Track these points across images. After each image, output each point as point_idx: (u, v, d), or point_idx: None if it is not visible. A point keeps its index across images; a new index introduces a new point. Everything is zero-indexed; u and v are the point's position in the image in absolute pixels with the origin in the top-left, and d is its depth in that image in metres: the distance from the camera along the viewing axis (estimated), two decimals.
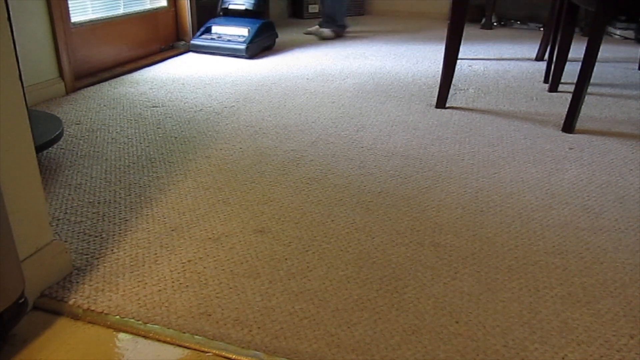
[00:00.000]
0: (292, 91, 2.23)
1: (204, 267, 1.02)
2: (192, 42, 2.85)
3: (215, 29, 2.88)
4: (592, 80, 2.41)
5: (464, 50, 3.07)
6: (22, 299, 0.84)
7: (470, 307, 0.93)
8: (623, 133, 1.82)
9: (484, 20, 3.96)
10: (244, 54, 2.74)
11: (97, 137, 1.67)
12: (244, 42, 2.75)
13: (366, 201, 1.30)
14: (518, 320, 0.90)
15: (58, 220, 1.18)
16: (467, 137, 1.75)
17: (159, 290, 0.95)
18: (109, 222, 1.18)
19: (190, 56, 2.83)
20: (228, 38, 2.80)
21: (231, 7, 2.94)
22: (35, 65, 1.96)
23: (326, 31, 3.39)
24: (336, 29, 3.41)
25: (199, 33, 2.88)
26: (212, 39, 2.82)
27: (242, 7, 2.91)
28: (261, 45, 2.89)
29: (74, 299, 0.92)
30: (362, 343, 0.84)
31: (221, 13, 2.96)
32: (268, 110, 1.97)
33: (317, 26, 3.45)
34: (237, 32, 2.83)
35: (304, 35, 3.45)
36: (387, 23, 4.14)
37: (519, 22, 4.09)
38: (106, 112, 1.91)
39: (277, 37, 3.06)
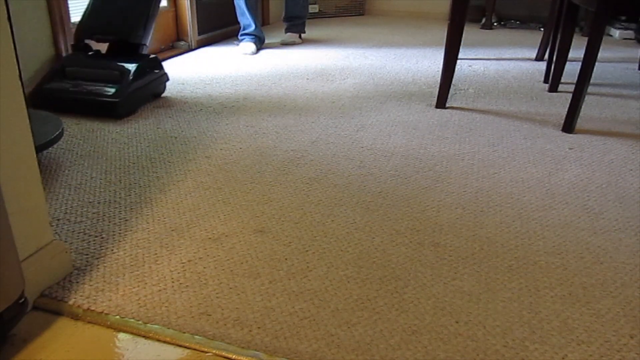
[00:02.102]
0: (292, 91, 2.23)
1: (204, 267, 1.02)
2: (35, 90, 1.87)
3: (72, 71, 1.88)
4: (592, 80, 2.41)
5: (464, 50, 3.07)
6: (22, 299, 0.84)
7: (470, 307, 0.93)
8: (623, 133, 1.82)
9: (484, 20, 3.97)
10: (114, 112, 1.81)
11: (97, 137, 1.67)
12: (115, 93, 1.81)
13: (366, 201, 1.30)
14: (518, 320, 0.90)
15: (58, 220, 1.18)
16: (467, 137, 1.75)
17: (159, 290, 0.95)
18: (109, 222, 1.18)
19: (190, 56, 2.83)
20: (89, 87, 1.84)
21: (96, 37, 1.95)
22: (35, 65, 1.96)
23: (290, 36, 3.23)
24: (303, 31, 3.28)
25: (47, 77, 1.91)
26: (66, 88, 1.85)
27: (111, 37, 1.96)
28: (143, 94, 1.94)
29: (74, 299, 0.92)
30: (362, 343, 0.84)
31: (81, 45, 1.97)
32: (268, 110, 1.97)
33: (289, 33, 3.24)
34: (105, 77, 1.86)
35: (304, 35, 3.44)
36: (386, 23, 4.14)
37: (519, 22, 4.09)
38: None
39: (167, 80, 2.09)
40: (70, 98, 1.84)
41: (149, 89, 1.97)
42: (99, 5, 1.96)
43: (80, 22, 1.95)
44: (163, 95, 2.10)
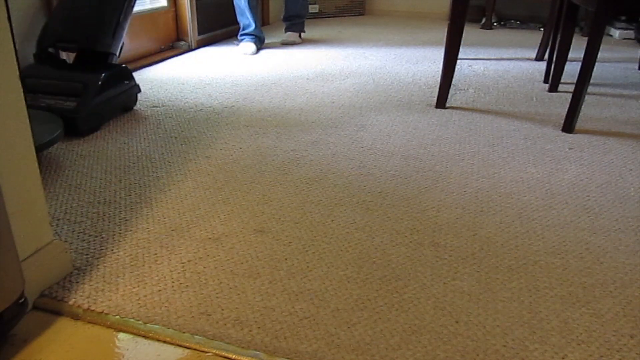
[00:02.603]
0: (292, 91, 2.23)
1: (204, 267, 1.02)
2: None
3: (32, 82, 1.70)
4: (592, 80, 2.41)
5: (464, 50, 3.07)
6: (22, 299, 0.84)
7: (470, 307, 0.93)
8: (623, 133, 1.82)
9: (484, 20, 3.97)
10: (75, 128, 1.64)
11: (97, 137, 1.67)
12: (75, 108, 1.63)
13: (366, 201, 1.30)
14: (518, 320, 0.90)
15: (58, 220, 1.18)
16: (467, 137, 1.75)
17: (159, 290, 0.95)
18: (109, 222, 1.18)
19: (190, 56, 2.83)
20: (48, 101, 1.66)
21: (59, 45, 1.79)
22: None
23: (290, 35, 3.21)
24: (303, 31, 3.27)
25: None
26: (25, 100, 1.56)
27: (76, 45, 1.77)
28: (109, 108, 1.78)
29: (74, 299, 0.92)
30: (362, 343, 0.84)
31: (43, 55, 1.80)
32: (268, 110, 1.97)
33: (289, 32, 3.23)
34: (67, 90, 1.68)
35: (303, 35, 3.44)
36: (386, 23, 4.14)
37: (519, 22, 4.09)
38: None
39: (138, 91, 1.93)
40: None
41: (116, 102, 1.81)
42: (65, 10, 1.77)
43: (44, 28, 1.77)
44: (135, 108, 1.93)
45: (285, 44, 3.18)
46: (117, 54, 1.85)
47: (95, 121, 1.71)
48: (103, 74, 1.72)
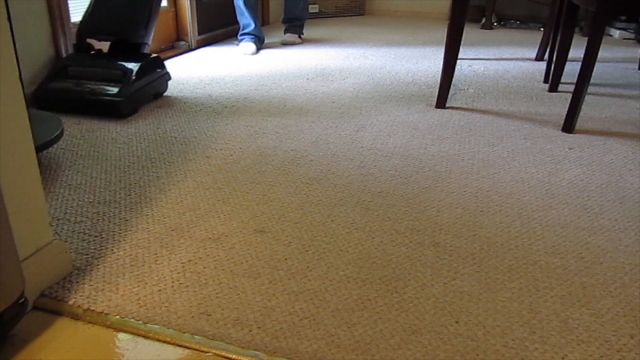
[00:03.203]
0: (292, 91, 2.23)
1: (204, 267, 1.02)
2: (38, 90, 1.87)
3: (74, 71, 1.89)
4: (592, 80, 2.41)
5: (464, 50, 3.07)
6: (22, 299, 0.84)
7: (470, 307, 0.93)
8: (623, 133, 1.82)
9: (484, 20, 3.97)
10: (117, 111, 1.82)
11: (97, 137, 1.67)
12: (118, 92, 1.81)
13: (366, 201, 1.30)
14: (518, 320, 0.90)
15: (58, 220, 1.18)
16: (467, 137, 1.75)
17: (159, 290, 0.95)
18: (109, 222, 1.18)
19: (190, 56, 2.83)
20: (91, 86, 1.84)
21: (97, 36, 1.96)
22: (36, 66, 1.96)
23: (290, 36, 3.21)
24: (302, 33, 3.27)
25: (47, 77, 1.90)
26: (68, 87, 1.85)
27: (112, 36, 1.95)
28: (146, 94, 1.95)
29: (74, 299, 0.92)
30: (362, 343, 0.84)
31: (83, 44, 1.97)
32: (268, 110, 1.97)
33: (288, 34, 3.24)
34: (107, 77, 1.86)
35: (304, 35, 3.44)
36: (386, 23, 4.14)
37: (519, 22, 4.09)
38: None
39: (169, 79, 2.11)
40: (73, 98, 1.84)
41: (150, 88, 1.98)
42: (101, 5, 1.95)
43: (82, 21, 1.96)
44: (165, 94, 2.12)
45: (285, 44, 3.18)
46: (149, 43, 2.02)
47: (134, 105, 1.88)
48: (140, 63, 1.89)
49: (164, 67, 2.07)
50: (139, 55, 1.96)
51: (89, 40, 1.96)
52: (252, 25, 2.95)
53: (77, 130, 1.72)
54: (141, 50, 1.99)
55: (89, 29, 1.95)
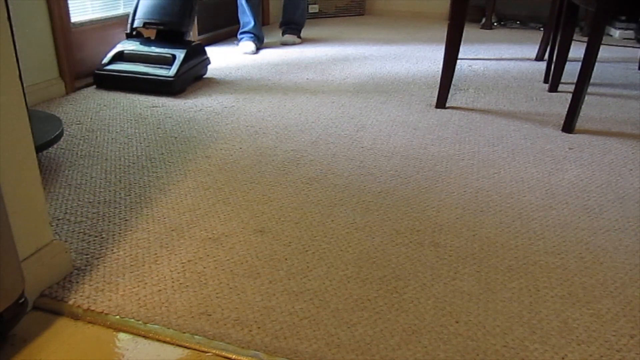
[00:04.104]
0: (292, 91, 2.23)
1: (204, 267, 1.02)
2: (96, 71, 2.15)
3: (130, 54, 2.17)
4: (592, 80, 2.41)
5: (464, 50, 3.07)
6: (22, 299, 0.84)
7: (470, 307, 0.93)
8: (623, 133, 1.82)
9: (484, 20, 3.97)
10: (169, 89, 2.09)
11: (97, 137, 1.67)
12: (169, 73, 2.08)
13: (366, 201, 1.30)
14: (518, 320, 0.90)
15: (58, 220, 1.18)
16: (467, 137, 1.75)
17: (159, 290, 0.95)
18: (109, 222, 1.18)
19: None
20: (146, 68, 2.12)
21: (147, 25, 2.21)
22: (35, 65, 1.96)
23: (289, 37, 3.20)
24: (299, 35, 3.26)
25: (105, 60, 2.18)
26: (125, 69, 2.13)
27: (162, 26, 2.20)
28: (191, 75, 2.23)
29: (74, 299, 0.92)
30: (362, 343, 0.84)
31: (134, 33, 2.24)
32: (268, 110, 1.97)
33: (287, 35, 3.21)
34: (159, 60, 2.14)
35: (304, 35, 3.44)
36: (386, 23, 4.14)
37: (519, 22, 4.09)
38: (106, 112, 1.91)
39: (209, 63, 2.40)
40: (130, 78, 2.11)
41: (195, 70, 2.25)
42: None
43: (134, 12, 2.23)
44: (205, 77, 2.39)
45: (285, 44, 3.18)
46: (190, 32, 2.29)
47: (183, 84, 2.15)
48: (186, 48, 2.16)
49: (205, 53, 2.34)
50: (183, 42, 2.22)
51: (139, 28, 2.22)
52: (252, 24, 2.95)
53: (77, 130, 1.72)
54: (184, 38, 2.25)
55: (140, 18, 2.20)
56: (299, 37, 3.26)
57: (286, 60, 2.78)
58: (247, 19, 2.95)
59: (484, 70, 2.67)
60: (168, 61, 2.13)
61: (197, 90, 2.20)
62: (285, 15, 3.18)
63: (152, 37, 2.25)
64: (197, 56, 2.26)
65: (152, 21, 2.18)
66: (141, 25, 2.19)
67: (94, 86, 2.18)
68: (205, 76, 2.42)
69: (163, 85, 2.08)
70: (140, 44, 2.20)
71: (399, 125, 1.85)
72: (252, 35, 2.97)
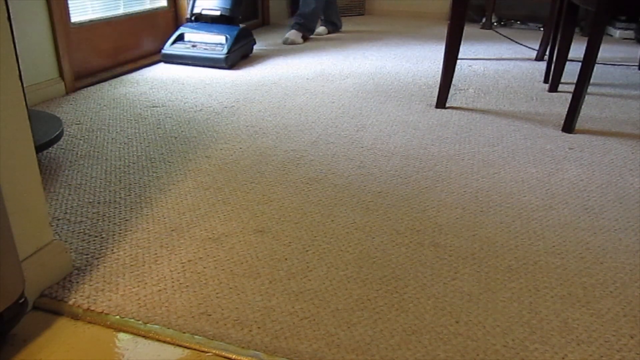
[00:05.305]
0: (292, 91, 2.23)
1: (204, 267, 1.02)
2: (163, 51, 2.60)
3: (189, 36, 2.63)
4: (592, 80, 2.41)
5: (464, 50, 3.07)
6: (22, 299, 0.84)
7: (470, 307, 0.93)
8: (623, 133, 1.82)
9: (484, 20, 3.97)
10: (223, 65, 2.53)
11: (97, 137, 1.67)
12: (222, 51, 2.52)
13: (366, 201, 1.30)
14: (518, 320, 0.90)
15: (58, 220, 1.18)
16: (467, 137, 1.75)
17: (159, 290, 0.95)
18: (109, 222, 1.18)
19: None
20: (204, 47, 2.56)
21: (204, 12, 2.69)
22: (35, 65, 1.96)
23: (292, 34, 3.24)
24: (305, 32, 3.30)
25: (170, 41, 2.62)
26: (186, 48, 2.58)
27: (217, 13, 2.67)
28: (240, 53, 2.68)
29: (74, 299, 0.92)
30: (362, 343, 0.84)
31: (193, 19, 2.71)
32: (268, 110, 1.97)
33: (293, 30, 3.26)
34: (214, 40, 2.59)
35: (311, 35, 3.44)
36: (387, 23, 4.14)
37: (519, 22, 4.09)
38: (106, 112, 1.91)
39: (254, 43, 2.86)
40: (190, 56, 2.56)
41: (243, 49, 2.73)
42: None
43: (193, 0, 2.70)
44: (250, 55, 2.88)
45: (286, 43, 3.17)
46: (239, 17, 2.75)
47: (233, 61, 2.60)
48: (237, 30, 2.61)
49: (251, 35, 2.81)
50: (234, 26, 2.65)
51: (199, 13, 2.68)
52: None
53: (77, 130, 1.72)
54: (235, 23, 2.69)
55: (199, 6, 2.68)
56: (303, 37, 3.27)
57: (286, 60, 2.78)
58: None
59: (484, 70, 2.67)
60: (221, 41, 2.57)
61: (246, 64, 2.69)
62: (300, 7, 3.28)
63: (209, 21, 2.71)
64: (245, 38, 2.71)
65: (209, 8, 2.66)
66: (200, 12, 2.67)
67: (161, 63, 2.63)
68: (206, 77, 2.42)
69: (217, 61, 2.53)
70: (198, 27, 2.63)
71: (399, 125, 1.85)
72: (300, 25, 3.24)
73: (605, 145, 1.70)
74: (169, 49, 2.59)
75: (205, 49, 2.55)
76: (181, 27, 2.65)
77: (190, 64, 2.58)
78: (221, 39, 2.57)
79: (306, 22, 3.24)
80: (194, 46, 2.57)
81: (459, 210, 1.27)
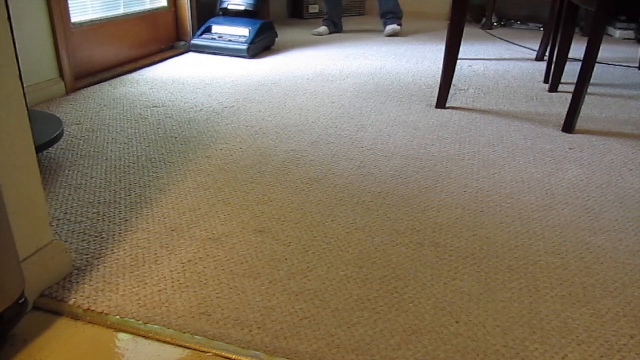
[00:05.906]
0: (292, 91, 2.23)
1: (204, 267, 1.02)
2: (192, 41, 2.87)
3: (216, 28, 2.91)
4: (592, 80, 2.41)
5: (464, 50, 3.07)
6: (22, 299, 0.84)
7: (470, 307, 0.93)
8: (623, 133, 1.82)
9: (484, 20, 3.96)
10: (245, 54, 2.78)
11: (97, 137, 1.67)
12: (245, 42, 2.78)
13: (366, 201, 1.30)
14: (518, 320, 0.90)
15: (58, 220, 1.18)
16: (467, 137, 1.75)
17: (159, 290, 0.95)
18: (109, 222, 1.18)
19: (190, 56, 2.83)
20: (229, 38, 2.83)
21: (230, 7, 2.97)
22: (35, 65, 1.96)
23: (390, 28, 3.56)
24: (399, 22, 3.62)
25: (199, 32, 2.89)
26: (212, 38, 2.84)
27: (242, 7, 2.95)
28: (261, 45, 2.93)
29: (74, 299, 0.92)
30: (362, 343, 0.84)
31: (220, 12, 2.99)
32: (268, 110, 1.97)
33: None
34: (238, 32, 2.85)
35: (304, 35, 3.45)
36: None
37: (519, 22, 4.09)
38: (106, 112, 1.91)
39: (276, 36, 3.09)
40: (216, 46, 2.84)
41: (265, 41, 2.98)
42: None
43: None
44: (272, 47, 3.11)
45: (389, 36, 3.53)
46: (262, 12, 3.02)
47: (256, 51, 2.86)
48: (259, 24, 2.88)
49: (273, 28, 3.06)
50: (257, 20, 2.92)
51: (225, 7, 2.97)
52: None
53: (77, 130, 1.72)
54: (258, 17, 2.98)
55: (226, 1, 2.97)
56: (399, 24, 3.57)
57: (286, 61, 2.78)
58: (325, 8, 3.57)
59: (484, 70, 2.67)
60: (244, 34, 2.84)
61: (267, 55, 2.92)
62: (381, 7, 3.56)
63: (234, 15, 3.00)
64: (267, 31, 2.97)
65: (235, 3, 2.95)
66: (226, 6, 2.96)
67: (190, 52, 2.90)
68: (206, 77, 2.42)
69: (240, 52, 2.79)
70: (224, 20, 2.93)
71: (399, 125, 1.85)
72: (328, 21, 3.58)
73: (605, 145, 1.70)
74: (197, 39, 2.86)
75: (229, 40, 2.82)
76: (210, 20, 2.93)
77: (217, 53, 2.86)
78: (244, 31, 2.85)
79: (394, 15, 3.60)
80: (220, 37, 2.85)
81: (459, 210, 1.27)
